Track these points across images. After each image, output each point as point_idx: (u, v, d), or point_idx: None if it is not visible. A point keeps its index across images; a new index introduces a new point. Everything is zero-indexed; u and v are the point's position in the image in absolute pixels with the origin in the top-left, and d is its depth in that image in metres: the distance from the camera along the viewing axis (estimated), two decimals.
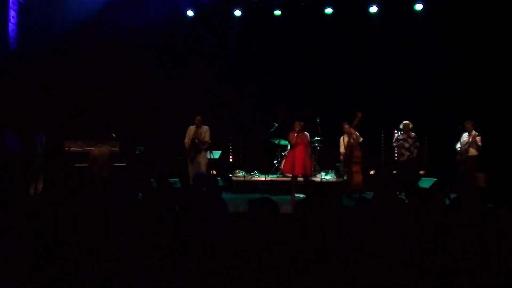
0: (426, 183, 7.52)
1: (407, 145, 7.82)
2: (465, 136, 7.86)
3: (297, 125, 7.54)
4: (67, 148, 8.26)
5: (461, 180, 7.73)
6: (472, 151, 7.72)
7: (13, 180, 7.20)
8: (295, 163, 7.55)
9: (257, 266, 2.40)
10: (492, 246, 2.71)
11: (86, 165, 7.58)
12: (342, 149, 8.25)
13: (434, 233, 2.87)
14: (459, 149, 7.93)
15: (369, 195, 6.28)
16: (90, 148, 7.91)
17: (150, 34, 9.41)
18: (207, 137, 8.03)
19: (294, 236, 2.71)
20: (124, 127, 9.02)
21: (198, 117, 8.10)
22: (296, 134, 7.52)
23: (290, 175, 7.82)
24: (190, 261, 2.54)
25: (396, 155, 8.08)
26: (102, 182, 7.12)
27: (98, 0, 9.04)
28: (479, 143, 7.68)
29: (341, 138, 8.29)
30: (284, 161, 8.48)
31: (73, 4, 8.72)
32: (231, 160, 10.40)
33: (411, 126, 7.91)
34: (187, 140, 8.09)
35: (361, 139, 8.10)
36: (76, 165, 8.03)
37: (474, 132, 7.74)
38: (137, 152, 9.19)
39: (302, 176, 7.61)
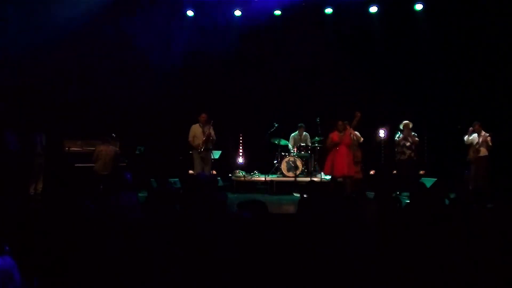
0: (426, 183, 7.52)
1: (408, 143, 7.88)
2: (475, 137, 7.92)
3: (341, 125, 7.55)
4: (67, 148, 8.25)
5: (470, 179, 7.76)
6: (483, 151, 7.80)
7: (13, 180, 7.19)
8: (342, 163, 7.52)
9: (256, 265, 2.40)
10: (492, 246, 2.71)
11: (87, 164, 7.57)
12: None
13: (434, 232, 2.88)
14: (465, 139, 7.97)
15: (369, 194, 6.28)
16: (90, 148, 7.91)
17: (150, 34, 9.41)
18: (214, 135, 8.13)
19: (295, 234, 2.71)
20: (124, 127, 9.02)
21: (204, 115, 8.11)
22: (340, 134, 7.52)
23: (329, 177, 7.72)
24: (190, 260, 2.54)
25: (397, 154, 8.11)
26: (103, 181, 7.11)
27: (98, 1, 9.03)
28: (490, 143, 7.74)
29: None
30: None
31: (73, 4, 8.71)
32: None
33: (411, 126, 7.96)
34: (191, 139, 8.07)
35: (362, 139, 8.14)
36: (76, 165, 8.02)
37: (484, 132, 7.82)
38: (137, 152, 9.19)
39: (343, 177, 7.50)
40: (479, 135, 7.86)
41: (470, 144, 7.93)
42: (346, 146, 7.54)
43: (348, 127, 7.99)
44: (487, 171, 7.80)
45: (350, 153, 7.54)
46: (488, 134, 7.78)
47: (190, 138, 8.13)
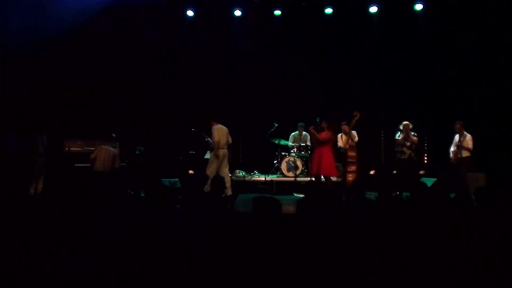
0: (426, 183, 7.51)
1: (408, 143, 7.88)
2: (456, 138, 7.93)
3: (323, 125, 7.61)
4: (67, 148, 8.25)
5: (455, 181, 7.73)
6: (464, 152, 7.79)
7: (14, 180, 7.19)
8: (312, 163, 7.53)
9: (259, 264, 2.40)
10: (493, 246, 2.71)
11: (87, 164, 7.56)
12: (340, 143, 8.44)
13: (434, 232, 2.88)
14: (452, 151, 7.98)
15: (369, 194, 6.27)
16: (90, 148, 7.91)
17: (150, 34, 9.41)
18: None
19: (295, 234, 2.71)
20: (124, 127, 9.02)
21: None
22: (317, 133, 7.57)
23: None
24: (191, 260, 2.54)
25: (397, 153, 8.11)
26: (102, 179, 7.10)
27: (98, 1, 9.04)
28: (469, 144, 7.72)
29: (339, 135, 8.51)
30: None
31: (73, 4, 8.71)
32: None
33: (411, 126, 7.96)
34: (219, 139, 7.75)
35: (356, 138, 8.18)
36: (76, 165, 8.02)
37: (464, 132, 7.81)
38: (137, 152, 9.19)
39: (326, 177, 7.53)
40: (460, 136, 7.85)
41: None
42: (318, 147, 7.60)
43: (346, 127, 8.08)
44: (468, 172, 7.75)
45: (321, 153, 7.54)
46: (466, 134, 7.75)
47: (217, 139, 7.71)
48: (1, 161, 7.26)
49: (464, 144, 7.77)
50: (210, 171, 7.61)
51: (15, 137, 7.50)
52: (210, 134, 8.01)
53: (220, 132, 7.75)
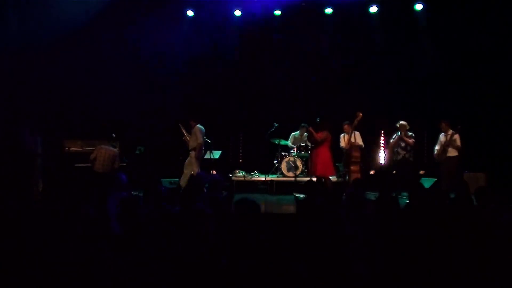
0: (426, 183, 7.51)
1: (403, 144, 7.86)
2: (442, 137, 7.83)
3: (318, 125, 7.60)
4: (67, 148, 8.25)
5: (441, 181, 7.66)
6: (451, 151, 7.67)
7: (20, 180, 7.18)
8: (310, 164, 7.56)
9: (254, 266, 2.41)
10: (493, 246, 2.72)
11: (87, 164, 7.56)
12: (342, 144, 8.45)
13: (434, 232, 2.88)
14: (436, 150, 7.90)
15: (369, 194, 6.28)
16: (90, 148, 7.91)
17: (150, 34, 9.42)
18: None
19: (294, 234, 2.72)
20: (124, 127, 9.02)
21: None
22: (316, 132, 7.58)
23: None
24: (191, 260, 2.54)
25: (393, 154, 8.11)
26: (102, 179, 7.10)
27: (98, 1, 9.04)
28: (458, 143, 7.63)
29: (342, 135, 8.52)
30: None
31: (73, 4, 8.71)
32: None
33: (408, 127, 7.96)
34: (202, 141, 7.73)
35: (363, 146, 8.19)
36: (76, 165, 8.02)
37: (450, 131, 7.69)
38: (137, 152, 9.19)
39: (323, 177, 7.50)
40: (445, 134, 7.74)
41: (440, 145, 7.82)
42: (315, 147, 7.61)
43: (348, 126, 8.13)
44: (459, 172, 7.67)
45: (317, 153, 7.53)
46: (454, 133, 7.63)
47: (201, 140, 7.63)
48: (10, 160, 7.21)
49: (453, 142, 7.65)
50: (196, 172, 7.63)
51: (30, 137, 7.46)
52: (189, 132, 7.91)
53: (202, 133, 7.66)
